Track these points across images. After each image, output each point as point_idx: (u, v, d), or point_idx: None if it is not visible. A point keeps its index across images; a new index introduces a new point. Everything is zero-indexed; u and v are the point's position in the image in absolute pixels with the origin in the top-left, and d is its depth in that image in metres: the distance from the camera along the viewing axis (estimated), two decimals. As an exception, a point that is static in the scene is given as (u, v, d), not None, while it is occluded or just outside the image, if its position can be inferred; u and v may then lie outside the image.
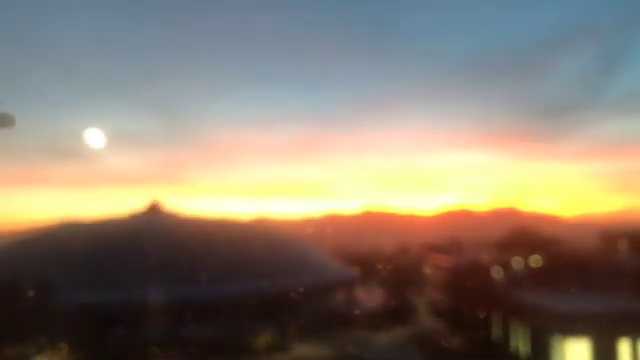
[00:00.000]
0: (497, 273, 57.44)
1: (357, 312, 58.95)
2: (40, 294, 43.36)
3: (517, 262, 62.83)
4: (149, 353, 44.00)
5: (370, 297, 68.47)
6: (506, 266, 60.25)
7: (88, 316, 44.31)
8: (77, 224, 68.44)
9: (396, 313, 59.84)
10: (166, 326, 46.10)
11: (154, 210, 72.68)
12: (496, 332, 46.71)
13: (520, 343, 41.39)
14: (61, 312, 42.95)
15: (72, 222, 69.39)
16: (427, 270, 72.43)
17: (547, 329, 36.88)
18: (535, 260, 62.07)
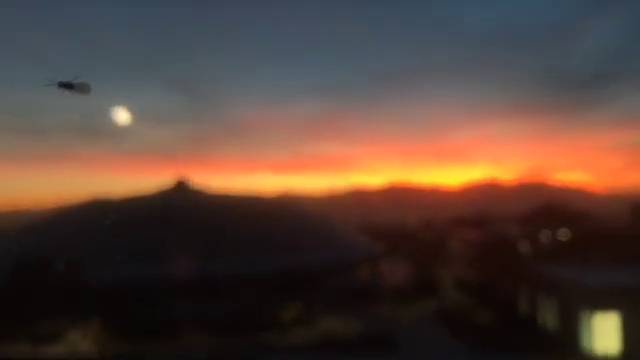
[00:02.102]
0: (525, 247, 56.89)
1: (382, 287, 59.08)
2: (70, 270, 44.22)
3: (545, 235, 62.10)
4: (178, 327, 44.86)
5: (396, 272, 68.49)
6: (534, 240, 59.63)
7: (117, 292, 45.19)
8: (106, 201, 69.56)
9: (422, 288, 59.78)
10: (193, 301, 46.82)
11: (181, 187, 73.42)
12: (523, 307, 46.40)
13: (548, 317, 41.06)
14: (91, 288, 43.85)
15: (101, 199, 70.54)
16: (453, 244, 72.04)
17: (575, 303, 36.50)
18: (564, 234, 61.30)
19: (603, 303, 35.13)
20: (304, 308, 48.75)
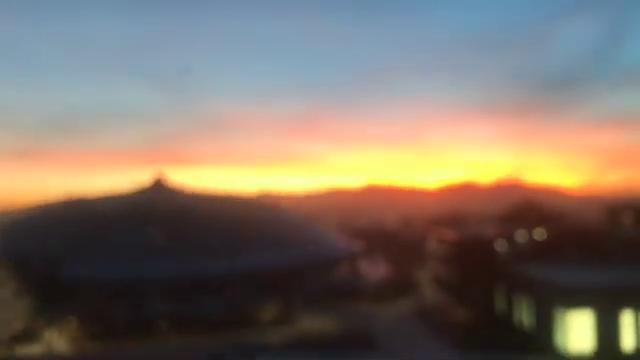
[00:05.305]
0: (501, 247, 57.50)
1: (361, 285, 59.33)
2: (48, 269, 43.68)
3: (521, 235, 62.81)
4: (155, 326, 44.50)
5: (374, 271, 68.85)
6: (510, 239, 60.27)
7: (95, 290, 44.71)
8: (83, 200, 68.67)
9: (400, 286, 60.22)
10: (172, 300, 46.53)
11: (158, 186, 72.79)
12: (500, 305, 46.95)
13: (523, 316, 41.61)
14: (68, 286, 43.32)
15: (78, 198, 69.62)
16: (431, 244, 72.60)
17: (550, 302, 36.99)
18: (539, 233, 62.08)
19: (577, 302, 35.66)
20: (284, 306, 48.74)
